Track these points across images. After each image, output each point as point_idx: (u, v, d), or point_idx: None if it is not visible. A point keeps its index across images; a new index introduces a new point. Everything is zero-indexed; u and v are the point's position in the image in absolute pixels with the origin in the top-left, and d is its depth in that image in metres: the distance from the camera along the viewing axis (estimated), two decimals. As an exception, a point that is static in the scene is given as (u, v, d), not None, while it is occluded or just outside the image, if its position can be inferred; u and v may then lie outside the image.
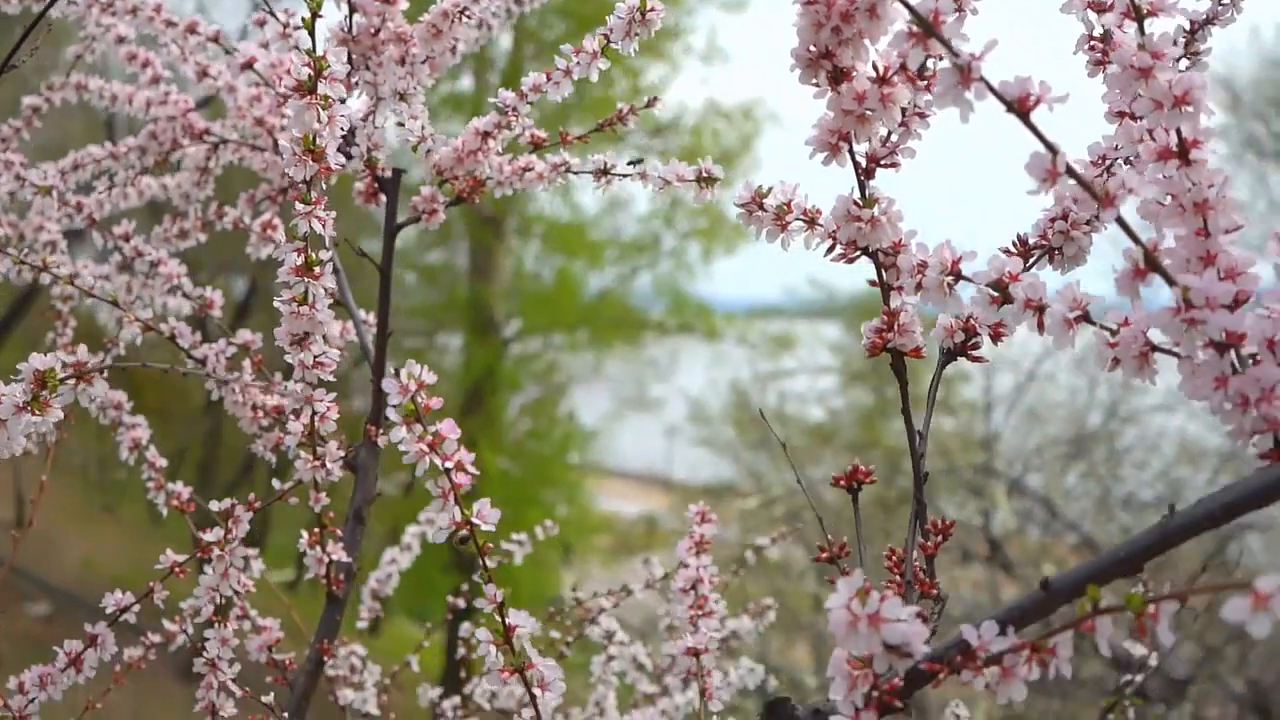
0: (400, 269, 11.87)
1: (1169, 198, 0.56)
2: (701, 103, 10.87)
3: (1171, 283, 0.53)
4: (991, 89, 0.52)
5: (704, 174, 0.88)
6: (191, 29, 1.11)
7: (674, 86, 11.23)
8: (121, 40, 1.21)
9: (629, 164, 0.97)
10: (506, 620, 0.67)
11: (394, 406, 0.63)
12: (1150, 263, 0.53)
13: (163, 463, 1.14)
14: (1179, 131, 0.55)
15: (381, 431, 0.99)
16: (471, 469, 0.65)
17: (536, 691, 0.67)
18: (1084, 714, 6.33)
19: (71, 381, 0.68)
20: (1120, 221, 0.53)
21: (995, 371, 8.62)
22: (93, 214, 1.21)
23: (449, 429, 0.65)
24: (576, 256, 11.49)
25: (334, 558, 1.00)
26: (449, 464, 0.64)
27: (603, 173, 0.97)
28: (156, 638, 1.17)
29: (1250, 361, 0.54)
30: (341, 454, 0.94)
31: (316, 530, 0.99)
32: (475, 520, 0.65)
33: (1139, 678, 1.12)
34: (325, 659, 1.02)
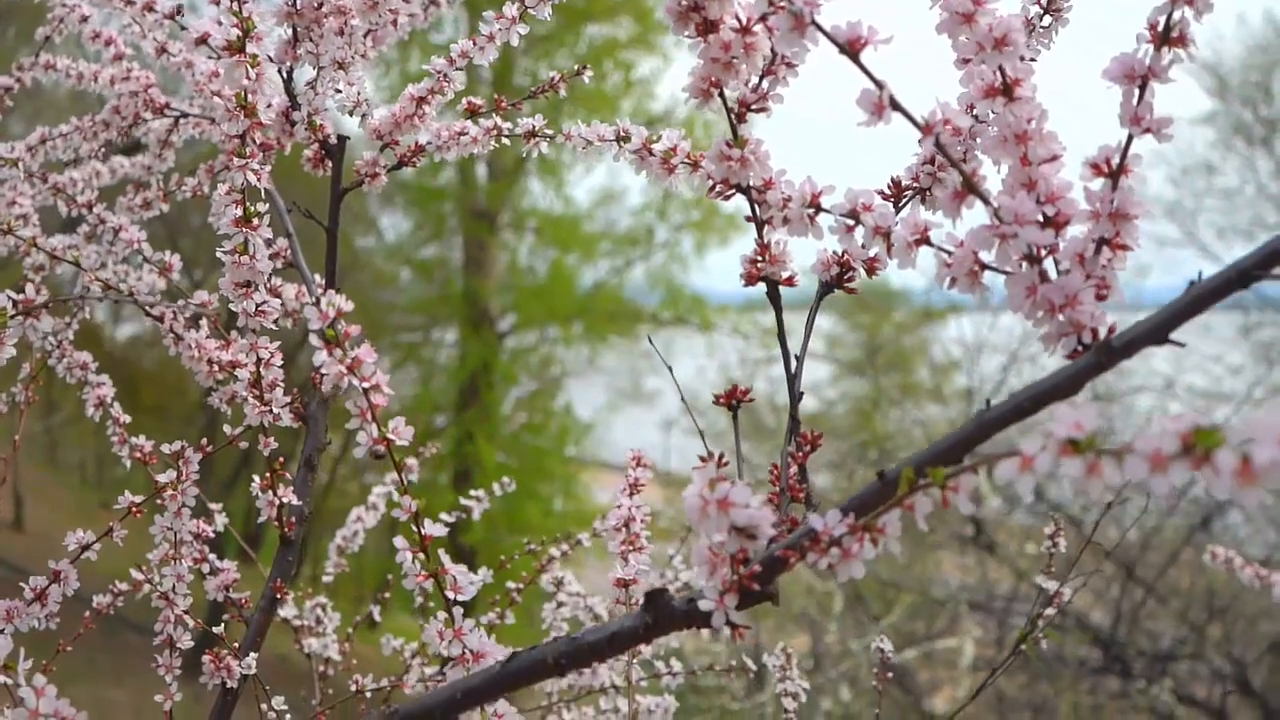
0: (395, 264, 11.93)
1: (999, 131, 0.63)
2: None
3: (986, 202, 0.59)
4: (824, 32, 0.58)
5: (622, 133, 0.94)
6: (149, 7, 1.18)
7: (666, 79, 11.29)
8: (85, 19, 1.27)
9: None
10: (423, 530, 0.74)
11: (314, 332, 0.69)
12: (968, 185, 0.60)
13: (127, 419, 1.20)
14: (1002, 70, 0.62)
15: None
16: (388, 390, 0.71)
17: (449, 594, 0.73)
18: (1068, 695, 6.41)
19: (20, 318, 0.74)
20: (939, 148, 0.60)
21: (982, 357, 8.69)
22: (59, 185, 1.27)
23: (366, 353, 0.71)
24: (570, 250, 11.55)
25: (285, 501, 1.06)
26: (366, 385, 0.70)
27: (531, 135, 1.04)
28: (124, 586, 1.24)
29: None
30: (287, 400, 1.00)
31: (268, 475, 1.05)
32: (391, 436, 0.72)
33: (1051, 611, 1.19)
34: (279, 597, 1.08)
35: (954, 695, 6.61)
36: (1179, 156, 9.63)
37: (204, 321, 1.13)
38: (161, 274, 1.16)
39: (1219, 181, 9.33)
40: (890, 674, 1.24)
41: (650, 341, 0.89)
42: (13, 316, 0.74)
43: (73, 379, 1.23)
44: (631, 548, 1.02)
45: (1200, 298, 0.54)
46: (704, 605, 0.63)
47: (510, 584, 1.43)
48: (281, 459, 1.05)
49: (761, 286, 0.79)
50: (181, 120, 1.31)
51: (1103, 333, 0.59)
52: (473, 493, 1.50)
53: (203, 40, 1.12)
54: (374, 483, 1.70)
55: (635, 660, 1.31)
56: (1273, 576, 1.76)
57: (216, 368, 1.11)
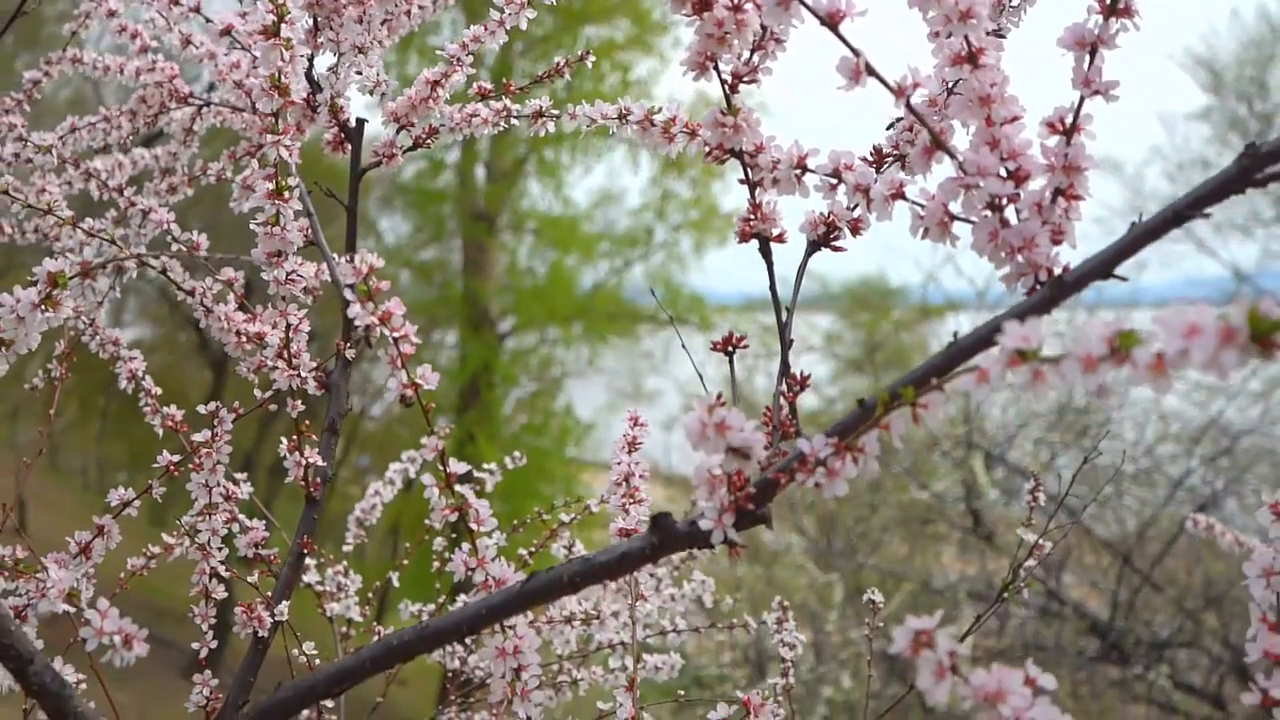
0: (395, 267, 12.00)
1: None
2: (691, 95, 10.98)
3: (953, 157, 0.66)
4: (807, 6, 0.65)
5: (624, 112, 1.01)
6: (175, 0, 1.25)
7: (663, 80, 11.38)
8: (112, 14, 1.34)
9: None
10: (448, 469, 0.81)
11: (348, 287, 0.76)
12: (936, 143, 0.67)
13: (158, 391, 1.28)
14: (968, 40, 0.69)
15: (351, 348, 1.12)
16: (415, 339, 0.78)
17: (474, 526, 0.80)
18: (1066, 682, 6.48)
19: (79, 279, 0.81)
20: (910, 109, 0.67)
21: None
22: (90, 170, 1.34)
23: (396, 306, 0.78)
24: (569, 251, 11.64)
25: (311, 462, 1.13)
26: (396, 335, 0.77)
27: (538, 115, 1.11)
28: (156, 549, 1.31)
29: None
30: (314, 365, 1.07)
31: (295, 437, 1.12)
32: (419, 381, 0.79)
33: (1031, 562, 1.25)
34: (305, 553, 1.15)
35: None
36: (1175, 152, 9.70)
37: (231, 296, 1.20)
38: (190, 251, 1.23)
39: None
40: (882, 625, 1.31)
41: (658, 297, 0.96)
42: (71, 278, 0.80)
43: (105, 355, 1.30)
44: (632, 500, 1.09)
45: (1140, 235, 0.61)
46: (704, 524, 0.70)
47: (522, 550, 1.50)
48: (307, 421, 1.12)
49: (756, 281, 0.86)
50: (204, 109, 1.38)
51: (1057, 272, 0.66)
52: (485, 465, 1.57)
53: (226, 32, 1.19)
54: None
55: (640, 619, 1.37)
56: (1250, 543, 1.83)
57: (244, 338, 1.18)
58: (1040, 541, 1.24)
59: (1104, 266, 0.62)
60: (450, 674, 1.53)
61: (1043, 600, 6.84)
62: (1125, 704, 6.76)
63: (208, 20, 1.25)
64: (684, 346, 0.99)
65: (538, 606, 0.75)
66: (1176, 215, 0.61)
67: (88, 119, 1.41)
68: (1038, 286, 0.66)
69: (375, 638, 1.34)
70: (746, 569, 8.22)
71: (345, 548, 1.59)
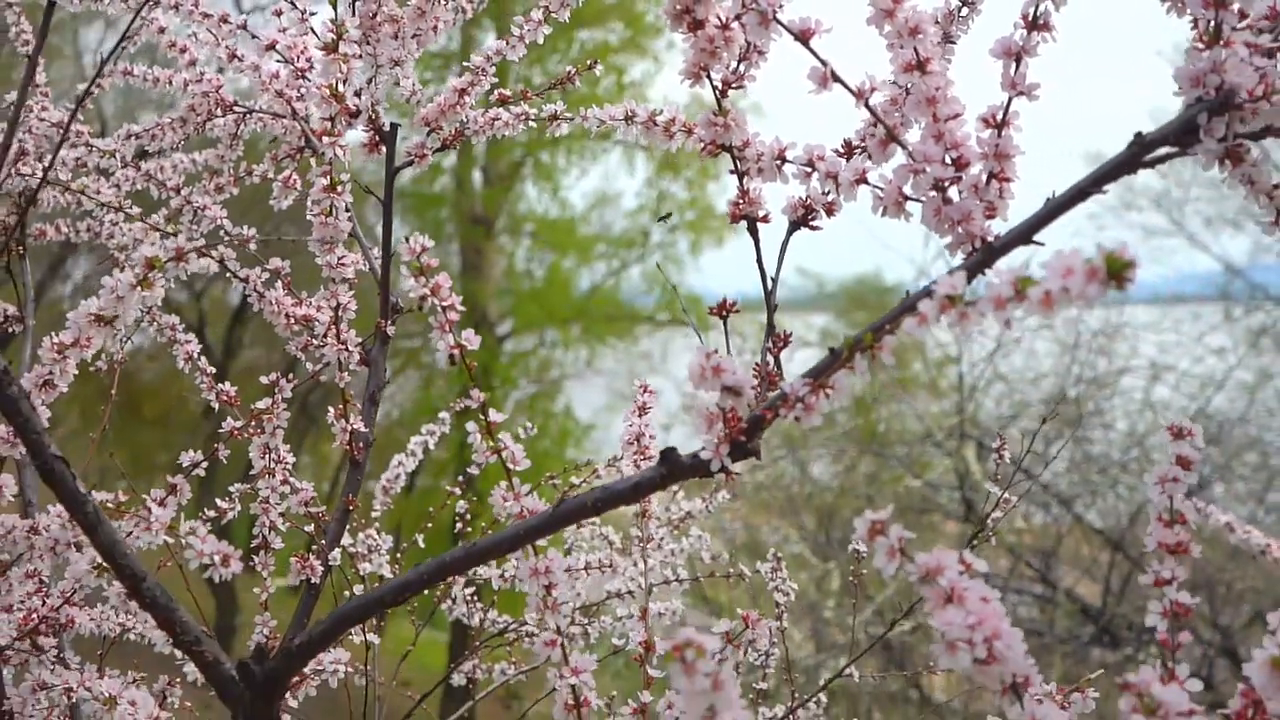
0: (393, 273, 12.16)
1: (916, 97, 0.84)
2: (686, 97, 11.15)
3: (904, 148, 0.81)
4: (783, 25, 0.80)
5: (629, 114, 1.16)
6: (224, 19, 1.39)
7: (658, 82, 11.53)
8: (163, 31, 1.49)
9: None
10: (489, 418, 0.95)
11: (405, 263, 0.91)
12: (890, 136, 0.81)
13: (212, 370, 1.42)
14: (916, 51, 0.83)
15: (390, 324, 1.27)
16: (460, 307, 0.93)
17: (510, 465, 0.95)
18: (1058, 666, 6.63)
19: (173, 263, 0.96)
20: (870, 109, 0.81)
21: (974, 346, 8.91)
22: (149, 172, 1.48)
23: (444, 280, 0.93)
24: (567, 253, 11.79)
25: (355, 428, 1.28)
26: (444, 304, 0.92)
27: (554, 118, 1.25)
28: (212, 512, 1.45)
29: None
30: (360, 340, 1.22)
31: (341, 405, 1.27)
32: (464, 342, 0.93)
33: (999, 513, 1.40)
34: (351, 510, 1.30)
35: (953, 672, 6.81)
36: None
37: (279, 283, 1.34)
38: (240, 245, 1.38)
39: (1206, 171, 9.51)
40: (856, 577, 1.45)
41: (665, 273, 1.10)
42: (166, 262, 0.95)
43: (163, 339, 1.45)
44: (642, 457, 1.24)
45: (1053, 208, 0.76)
46: (704, 455, 0.84)
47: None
48: (346, 395, 1.26)
49: (753, 281, 1.00)
50: (247, 116, 1.53)
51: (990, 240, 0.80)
52: (500, 437, 1.70)
53: (270, 47, 1.34)
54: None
55: (648, 572, 1.52)
56: (1209, 508, 1.98)
57: (292, 320, 1.32)
58: (1006, 496, 1.39)
59: (1024, 235, 0.76)
60: (473, 631, 1.67)
61: (1039, 588, 6.99)
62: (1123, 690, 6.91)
63: (254, 36, 1.39)
64: (691, 323, 1.14)
65: (566, 527, 0.89)
66: (1081, 191, 0.75)
67: (141, 126, 1.55)
68: (972, 252, 0.80)
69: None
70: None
71: (374, 514, 1.74)
